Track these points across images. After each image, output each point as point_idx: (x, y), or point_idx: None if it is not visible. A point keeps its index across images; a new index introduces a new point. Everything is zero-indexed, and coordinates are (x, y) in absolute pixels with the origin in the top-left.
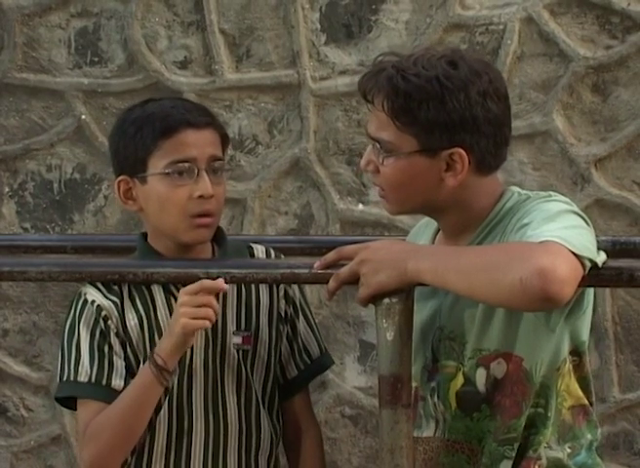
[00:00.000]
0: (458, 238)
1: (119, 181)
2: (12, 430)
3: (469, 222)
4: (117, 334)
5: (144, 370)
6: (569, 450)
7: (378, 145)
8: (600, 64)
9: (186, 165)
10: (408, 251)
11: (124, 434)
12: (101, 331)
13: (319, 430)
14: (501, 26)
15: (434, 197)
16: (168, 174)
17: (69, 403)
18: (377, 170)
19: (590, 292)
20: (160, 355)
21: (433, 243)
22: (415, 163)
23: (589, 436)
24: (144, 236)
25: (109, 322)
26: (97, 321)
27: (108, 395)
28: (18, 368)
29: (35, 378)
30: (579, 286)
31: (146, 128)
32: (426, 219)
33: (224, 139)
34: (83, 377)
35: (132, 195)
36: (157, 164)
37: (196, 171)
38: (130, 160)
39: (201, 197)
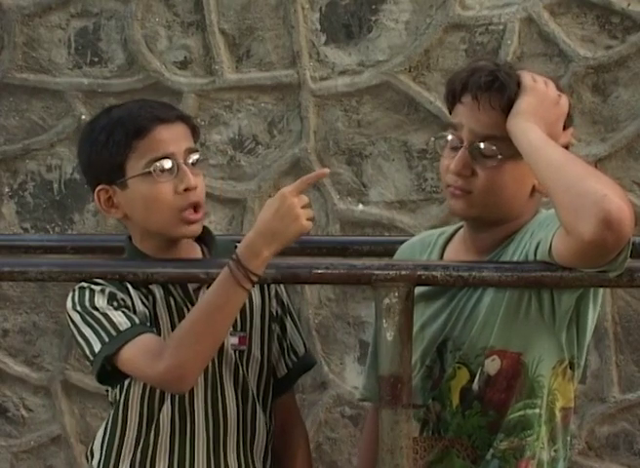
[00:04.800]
0: (481, 254)
1: (98, 191)
2: (12, 430)
3: (501, 240)
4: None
5: (227, 277)
6: (561, 452)
7: (488, 146)
8: (600, 64)
9: (166, 162)
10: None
11: (208, 337)
12: (117, 299)
13: (305, 427)
14: (501, 26)
15: (516, 207)
16: (149, 173)
17: (107, 379)
18: (472, 173)
19: (597, 309)
20: (256, 261)
21: (442, 254)
22: (525, 168)
23: (569, 438)
24: (130, 238)
25: (119, 297)
26: (112, 292)
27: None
28: (18, 368)
29: (35, 378)
30: (580, 286)
31: (118, 132)
32: (419, 238)
33: (195, 131)
34: (124, 326)
35: (113, 203)
36: (135, 166)
37: (176, 165)
38: (106, 167)
39: (187, 190)
